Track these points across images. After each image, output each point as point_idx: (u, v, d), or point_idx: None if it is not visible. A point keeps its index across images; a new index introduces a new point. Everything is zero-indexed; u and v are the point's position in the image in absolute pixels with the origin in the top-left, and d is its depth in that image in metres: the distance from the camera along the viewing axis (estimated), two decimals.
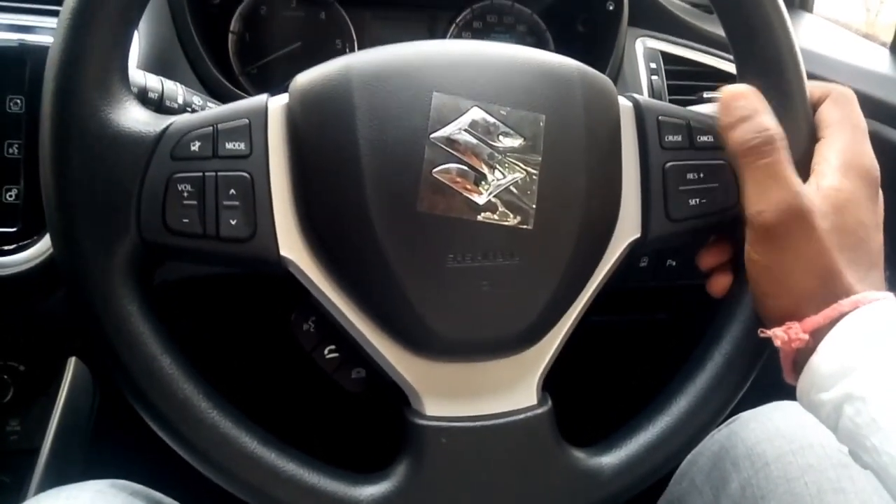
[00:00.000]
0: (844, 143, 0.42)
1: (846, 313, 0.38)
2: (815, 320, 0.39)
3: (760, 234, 0.40)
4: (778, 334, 0.40)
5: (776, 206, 0.39)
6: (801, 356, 0.40)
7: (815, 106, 0.44)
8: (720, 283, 0.46)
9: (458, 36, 0.74)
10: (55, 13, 0.38)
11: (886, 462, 0.35)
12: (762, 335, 0.41)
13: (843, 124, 0.42)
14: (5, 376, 0.58)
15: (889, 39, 0.82)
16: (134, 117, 0.38)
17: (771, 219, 0.40)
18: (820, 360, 0.38)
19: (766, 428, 0.53)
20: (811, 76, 0.44)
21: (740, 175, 0.41)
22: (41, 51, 0.50)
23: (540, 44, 0.76)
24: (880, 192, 0.43)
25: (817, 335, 0.39)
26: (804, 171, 0.42)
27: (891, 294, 0.39)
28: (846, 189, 0.40)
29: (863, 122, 0.43)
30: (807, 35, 0.86)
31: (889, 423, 0.35)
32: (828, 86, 0.44)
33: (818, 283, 0.39)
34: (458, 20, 0.74)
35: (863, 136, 0.42)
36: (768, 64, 0.43)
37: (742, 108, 0.41)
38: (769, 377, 0.43)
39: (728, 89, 0.42)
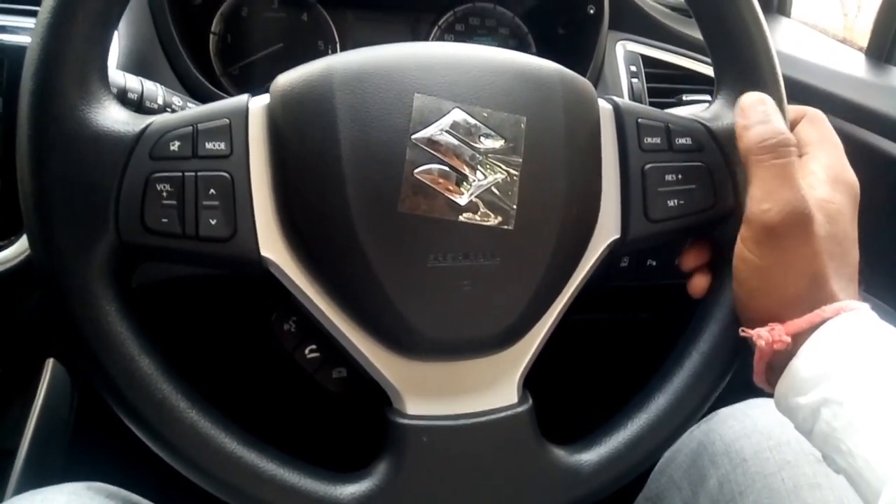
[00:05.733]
0: (828, 159, 0.43)
1: (827, 319, 0.39)
2: (797, 324, 0.39)
3: (759, 233, 0.40)
4: (762, 335, 0.40)
5: (782, 205, 0.40)
6: (777, 359, 0.40)
7: (792, 126, 0.45)
8: (700, 284, 0.46)
9: (440, 38, 0.75)
10: (33, 13, 0.37)
11: (861, 465, 0.36)
12: (743, 335, 0.42)
13: (825, 142, 0.44)
14: None
15: (866, 44, 0.83)
16: (113, 117, 0.37)
17: (775, 218, 0.40)
18: (800, 364, 0.39)
19: (744, 425, 0.54)
20: (788, 79, 0.45)
21: (749, 173, 0.41)
22: (19, 50, 0.49)
23: (522, 46, 0.77)
24: None
25: (797, 339, 0.39)
26: None
27: (867, 304, 0.40)
28: (837, 201, 0.41)
29: (839, 140, 0.44)
30: (784, 39, 0.87)
31: (866, 426, 0.36)
32: (801, 108, 0.46)
33: (806, 288, 0.40)
34: (440, 22, 0.75)
35: (842, 154, 0.44)
36: (745, 70, 0.44)
37: (762, 112, 0.42)
38: (747, 375, 0.44)
39: (748, 95, 0.43)
